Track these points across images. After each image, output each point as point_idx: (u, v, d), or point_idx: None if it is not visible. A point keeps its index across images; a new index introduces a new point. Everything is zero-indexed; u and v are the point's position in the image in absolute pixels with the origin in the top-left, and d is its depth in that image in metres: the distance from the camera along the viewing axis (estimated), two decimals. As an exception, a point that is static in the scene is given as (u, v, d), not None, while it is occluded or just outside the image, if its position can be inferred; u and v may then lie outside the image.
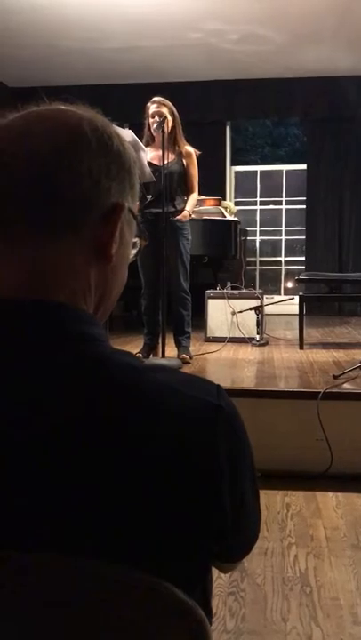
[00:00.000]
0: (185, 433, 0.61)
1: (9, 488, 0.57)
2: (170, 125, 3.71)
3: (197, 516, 0.62)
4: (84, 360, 0.62)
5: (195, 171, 3.86)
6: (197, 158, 3.86)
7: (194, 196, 3.93)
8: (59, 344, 0.62)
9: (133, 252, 0.73)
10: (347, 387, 3.10)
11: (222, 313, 4.91)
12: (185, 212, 3.85)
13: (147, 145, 3.85)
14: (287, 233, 7.64)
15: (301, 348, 4.45)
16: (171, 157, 3.76)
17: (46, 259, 0.64)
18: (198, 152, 3.87)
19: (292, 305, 4.96)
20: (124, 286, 0.73)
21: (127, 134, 3.36)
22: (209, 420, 0.62)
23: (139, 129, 3.91)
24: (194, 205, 4.01)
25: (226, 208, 5.76)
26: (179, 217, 3.82)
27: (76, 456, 0.57)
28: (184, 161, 3.83)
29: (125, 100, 6.47)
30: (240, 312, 4.82)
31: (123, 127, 5.24)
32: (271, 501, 2.70)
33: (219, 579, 2.04)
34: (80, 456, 0.57)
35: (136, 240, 0.73)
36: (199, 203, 5.33)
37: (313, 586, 2.02)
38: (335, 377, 3.23)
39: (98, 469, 0.58)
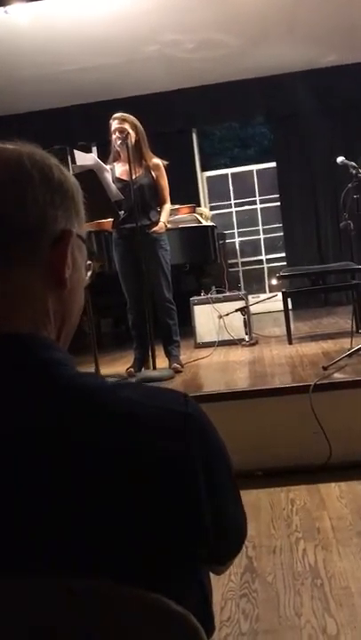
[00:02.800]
0: (157, 445, 0.62)
1: None
2: (133, 139, 3.73)
3: (178, 524, 0.63)
4: (50, 386, 0.63)
5: (165, 181, 3.89)
6: (166, 168, 3.89)
7: (167, 207, 3.96)
8: (24, 372, 0.64)
9: (88, 274, 0.76)
10: (337, 376, 3.13)
11: (209, 318, 4.94)
12: (160, 224, 3.88)
13: (114, 161, 3.89)
14: (265, 231, 7.70)
15: (290, 343, 4.48)
16: (139, 171, 3.79)
17: (2, 290, 0.66)
18: (166, 162, 3.91)
19: (279, 302, 5.00)
20: (82, 309, 0.75)
21: (89, 158, 3.41)
22: (179, 429, 0.65)
23: (107, 147, 3.95)
24: (168, 216, 4.04)
25: (201, 214, 5.80)
26: (155, 229, 3.85)
27: (51, 478, 0.59)
28: (153, 173, 3.85)
29: (90, 120, 6.51)
30: (226, 315, 4.85)
31: (89, 148, 5.29)
32: (275, 499, 2.71)
33: (230, 582, 2.05)
34: (55, 478, 0.59)
35: (89, 263, 0.75)
36: (174, 212, 5.37)
37: (323, 578, 2.03)
38: (325, 368, 3.25)
39: (73, 491, 0.59)
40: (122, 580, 0.59)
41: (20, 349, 0.65)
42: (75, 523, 0.59)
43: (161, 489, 0.62)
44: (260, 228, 7.70)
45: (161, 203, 3.94)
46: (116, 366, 4.33)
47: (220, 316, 4.87)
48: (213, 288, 5.25)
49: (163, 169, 3.88)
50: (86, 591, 0.59)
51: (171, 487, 0.62)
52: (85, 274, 0.75)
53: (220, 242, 6.22)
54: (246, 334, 4.83)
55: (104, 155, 3.96)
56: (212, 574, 0.80)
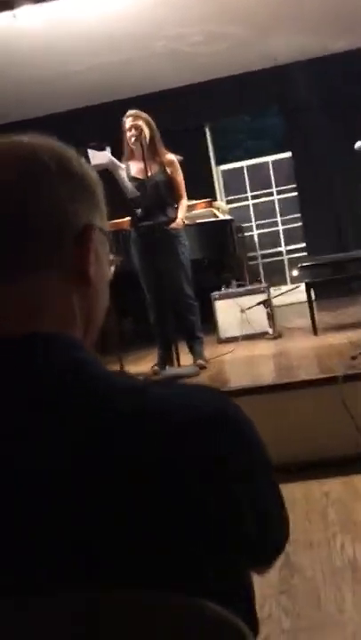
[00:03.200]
0: (193, 447, 0.59)
1: (17, 523, 0.56)
2: (148, 137, 3.71)
3: (221, 528, 0.60)
4: (84, 387, 0.61)
5: (180, 177, 3.86)
6: (180, 164, 3.86)
7: (184, 203, 3.93)
8: (53, 372, 0.61)
9: (112, 269, 0.73)
10: (366, 366, 3.07)
11: (231, 312, 4.90)
12: (178, 221, 3.85)
13: (128, 160, 3.86)
14: (284, 222, 7.62)
15: (316, 334, 4.42)
16: (154, 168, 3.77)
17: (28, 292, 0.64)
18: (180, 158, 3.88)
19: (301, 293, 4.94)
20: (107, 306, 0.73)
21: (103, 156, 3.39)
22: (216, 429, 0.61)
23: (119, 147, 3.93)
24: (185, 212, 4.01)
25: (218, 208, 5.76)
26: (173, 225, 3.82)
27: (89, 485, 0.57)
28: (168, 170, 3.83)
29: (101, 120, 6.49)
30: (249, 308, 4.80)
31: (103, 148, 5.29)
32: (309, 492, 2.67)
33: (268, 579, 2.02)
34: (94, 485, 0.57)
35: (113, 258, 0.73)
36: (191, 208, 5.33)
37: (364, 571, 1.99)
38: (353, 358, 3.20)
39: (114, 497, 0.57)
40: (166, 587, 0.57)
41: (48, 349, 0.63)
42: (114, 530, 0.57)
43: (200, 493, 0.59)
44: (279, 219, 7.63)
45: (177, 199, 3.91)
46: (140, 365, 4.32)
47: (242, 310, 4.83)
48: (234, 282, 5.21)
49: (177, 165, 3.85)
50: (126, 601, 0.56)
51: (207, 494, 0.59)
52: (109, 269, 0.72)
53: (239, 235, 6.17)
54: (270, 327, 4.78)
55: (117, 155, 3.94)
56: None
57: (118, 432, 0.58)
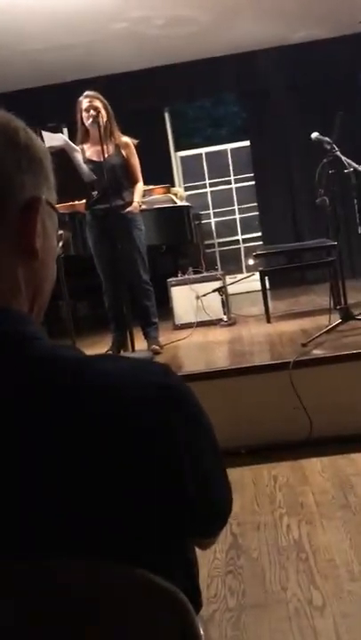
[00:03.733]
0: (136, 416, 0.60)
1: None
2: (104, 119, 3.67)
3: (161, 496, 0.61)
4: (26, 359, 0.61)
5: (136, 160, 3.83)
6: (136, 147, 3.83)
7: (140, 186, 3.91)
8: None
9: (59, 243, 0.72)
10: (316, 352, 3.14)
11: (187, 299, 4.92)
12: (134, 204, 3.83)
13: (82, 142, 3.81)
14: (241, 211, 7.66)
15: (269, 321, 4.49)
16: (110, 151, 3.73)
17: None
18: (136, 141, 3.85)
19: (256, 282, 4.99)
20: (54, 280, 0.72)
21: (58, 138, 3.34)
22: (159, 399, 0.62)
23: (76, 128, 3.87)
24: (141, 195, 3.98)
25: (176, 194, 5.75)
26: (129, 209, 3.80)
27: (23, 452, 0.57)
28: (123, 152, 3.79)
29: (59, 101, 6.37)
30: (204, 295, 4.83)
31: (60, 129, 5.18)
32: (258, 476, 2.72)
33: (215, 560, 2.06)
34: (27, 452, 0.57)
35: (61, 232, 0.72)
36: (149, 192, 5.31)
37: (308, 551, 2.05)
38: (304, 345, 3.26)
39: (53, 466, 0.57)
40: (105, 555, 0.58)
41: None
42: (50, 499, 0.57)
43: (141, 460, 0.60)
44: (236, 207, 7.67)
45: (133, 182, 3.88)
46: (95, 349, 4.29)
47: (198, 297, 4.86)
48: (190, 269, 5.23)
49: (133, 147, 3.82)
50: (67, 569, 0.57)
51: (151, 458, 0.60)
52: (57, 243, 0.71)
53: (196, 222, 6.18)
54: (224, 314, 4.82)
55: (74, 136, 3.88)
56: (198, 550, 0.78)
57: (60, 404, 0.58)
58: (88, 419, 0.58)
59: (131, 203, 3.82)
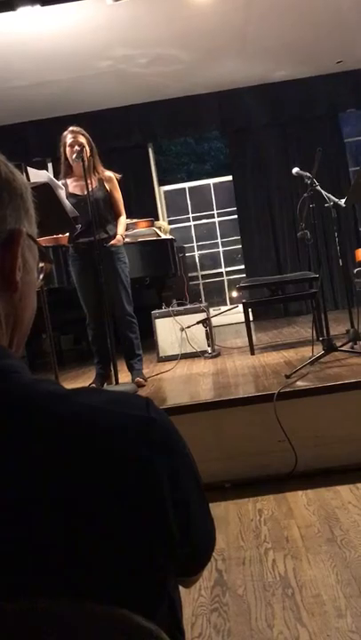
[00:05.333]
0: (119, 451, 0.59)
1: None
2: (88, 154, 3.72)
3: (143, 533, 0.60)
4: (5, 393, 0.60)
5: (119, 194, 3.87)
6: (119, 181, 3.88)
7: (123, 219, 3.94)
8: None
9: (40, 276, 0.72)
10: (300, 384, 3.14)
11: (171, 331, 4.92)
12: (118, 237, 3.85)
13: (65, 176, 3.85)
14: (224, 244, 7.76)
15: (253, 353, 4.50)
16: (93, 184, 3.77)
17: None
18: (119, 175, 3.90)
19: (240, 314, 5.02)
20: (34, 313, 0.72)
21: (43, 175, 3.37)
22: (142, 434, 0.61)
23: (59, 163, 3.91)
24: (125, 228, 4.01)
25: (160, 228, 5.80)
26: (113, 242, 3.82)
27: (11, 492, 0.56)
28: (107, 186, 3.84)
29: (44, 136, 6.47)
30: (188, 327, 4.84)
31: (45, 163, 5.23)
32: (243, 510, 2.69)
33: (200, 597, 2.01)
34: (7, 492, 0.56)
35: (41, 265, 0.72)
36: (133, 226, 5.36)
37: (294, 587, 2.01)
38: (287, 376, 3.26)
39: (28, 504, 0.56)
40: (84, 596, 0.56)
41: None
42: (25, 537, 0.55)
43: (122, 497, 0.58)
44: (219, 240, 7.76)
45: (116, 215, 3.92)
46: (78, 382, 4.27)
47: (182, 329, 4.86)
48: (174, 301, 5.25)
49: (115, 181, 3.87)
50: (45, 610, 0.55)
51: (133, 495, 0.59)
52: (38, 275, 0.71)
53: (180, 255, 6.23)
54: (209, 346, 4.83)
55: (59, 171, 3.92)
56: (181, 588, 0.77)
57: (37, 439, 0.57)
58: (66, 454, 0.57)
59: (114, 236, 3.84)
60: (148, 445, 0.61)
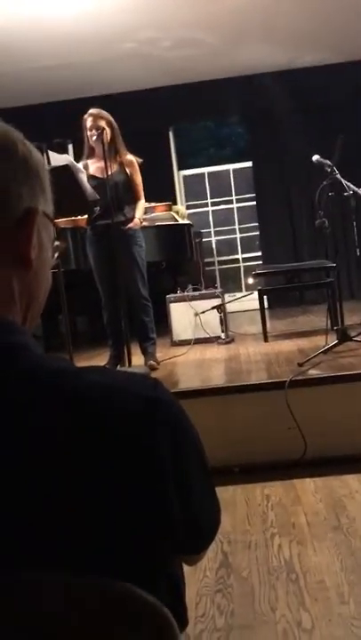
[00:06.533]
0: (122, 430, 0.60)
1: None
2: (109, 136, 3.71)
3: (146, 510, 0.61)
4: (15, 370, 0.61)
5: (139, 178, 3.87)
6: (140, 166, 3.88)
7: (141, 203, 3.94)
8: None
9: (55, 255, 0.73)
10: (312, 372, 3.14)
11: (185, 316, 4.93)
12: (135, 220, 3.86)
13: (88, 157, 3.86)
14: (241, 230, 7.72)
15: (266, 340, 4.50)
16: (113, 168, 3.77)
17: None
18: (140, 160, 3.89)
19: (255, 300, 5.01)
20: (48, 291, 0.73)
21: (63, 159, 3.38)
22: (147, 413, 0.62)
23: (82, 145, 3.92)
24: (143, 212, 4.02)
25: (177, 212, 5.79)
26: (130, 225, 3.83)
27: (10, 467, 0.57)
28: (127, 170, 3.84)
29: (66, 117, 6.43)
30: (203, 312, 4.85)
31: (66, 145, 5.23)
32: (251, 495, 2.71)
33: (205, 578, 2.04)
34: (11, 464, 0.57)
35: (56, 243, 0.73)
36: (150, 210, 5.35)
37: (298, 572, 2.03)
38: (300, 365, 3.27)
39: (34, 478, 0.57)
40: (88, 570, 0.57)
41: None
42: (33, 512, 0.57)
43: (125, 475, 0.60)
44: (237, 227, 7.72)
45: (135, 199, 3.92)
46: (92, 364, 4.29)
47: (197, 314, 4.87)
48: (190, 286, 5.25)
49: (136, 165, 3.87)
50: (51, 582, 0.57)
51: (136, 473, 0.60)
52: (52, 254, 0.72)
53: (197, 240, 6.21)
54: (222, 332, 4.83)
55: (79, 152, 3.93)
56: (186, 567, 0.78)
57: (44, 415, 0.58)
58: (71, 431, 0.58)
59: (132, 219, 3.85)
60: (153, 424, 0.62)
